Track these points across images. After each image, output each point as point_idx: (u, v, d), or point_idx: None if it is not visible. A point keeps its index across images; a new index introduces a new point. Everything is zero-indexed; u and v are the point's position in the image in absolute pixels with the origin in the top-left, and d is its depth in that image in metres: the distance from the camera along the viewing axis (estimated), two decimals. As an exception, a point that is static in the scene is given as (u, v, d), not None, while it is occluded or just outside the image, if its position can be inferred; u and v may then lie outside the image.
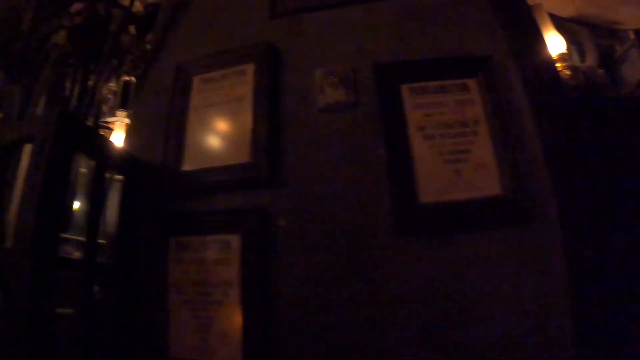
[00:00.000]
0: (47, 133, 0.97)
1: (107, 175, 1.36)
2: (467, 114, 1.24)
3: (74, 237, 1.67)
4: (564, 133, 1.17)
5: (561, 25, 2.46)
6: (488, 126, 1.21)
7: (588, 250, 1.03)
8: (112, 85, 1.89)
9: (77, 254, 1.57)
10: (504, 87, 1.23)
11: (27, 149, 1.18)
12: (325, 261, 1.11)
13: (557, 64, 2.09)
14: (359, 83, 1.30)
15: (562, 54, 2.13)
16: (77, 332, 1.02)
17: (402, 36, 1.36)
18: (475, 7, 1.37)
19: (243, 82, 1.33)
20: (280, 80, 1.33)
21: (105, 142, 1.25)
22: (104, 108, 1.85)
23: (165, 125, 1.34)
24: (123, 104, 1.99)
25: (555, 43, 2.15)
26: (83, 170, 1.72)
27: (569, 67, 2.10)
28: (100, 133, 1.19)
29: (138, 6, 1.80)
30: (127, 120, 1.92)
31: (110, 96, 1.90)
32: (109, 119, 1.88)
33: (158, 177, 1.29)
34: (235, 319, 1.08)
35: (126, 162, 1.29)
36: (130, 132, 1.45)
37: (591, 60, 2.59)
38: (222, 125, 1.29)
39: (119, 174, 1.31)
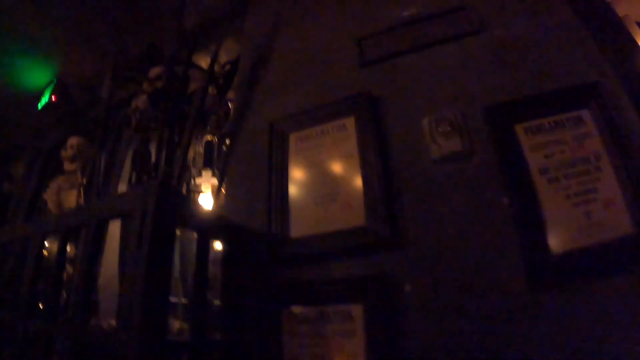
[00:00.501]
0: (148, 207, 0.89)
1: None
2: (588, 149, 1.10)
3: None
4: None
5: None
6: (610, 159, 1.07)
7: None
8: (196, 146, 1.89)
9: (175, 324, 1.50)
10: (617, 114, 1.09)
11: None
12: (455, 328, 0.97)
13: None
14: (469, 128, 1.18)
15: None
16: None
17: (503, 71, 1.25)
18: (571, 31, 1.25)
19: (345, 137, 1.25)
20: (384, 132, 1.24)
21: (205, 212, 1.19)
22: (193, 171, 1.86)
23: (264, 188, 1.27)
24: (207, 164, 1.98)
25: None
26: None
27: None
28: (199, 202, 1.15)
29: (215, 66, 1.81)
30: (214, 181, 1.90)
31: (195, 157, 1.90)
32: (197, 180, 1.87)
33: (263, 244, 1.21)
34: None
35: (227, 230, 1.22)
36: (225, 195, 1.39)
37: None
38: (328, 186, 1.21)
39: (220, 242, 1.24)
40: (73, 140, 2.16)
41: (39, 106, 2.43)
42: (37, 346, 1.05)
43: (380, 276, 1.06)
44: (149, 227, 0.87)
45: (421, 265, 1.05)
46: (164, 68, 1.75)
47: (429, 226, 1.09)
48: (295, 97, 1.42)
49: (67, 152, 2.14)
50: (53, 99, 2.38)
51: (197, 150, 1.91)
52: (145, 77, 1.84)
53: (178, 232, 1.45)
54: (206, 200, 1.84)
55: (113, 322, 1.50)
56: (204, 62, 1.95)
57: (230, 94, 1.77)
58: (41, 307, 1.17)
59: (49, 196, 2.09)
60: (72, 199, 2.09)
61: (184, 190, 1.62)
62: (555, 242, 1.00)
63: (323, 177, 1.22)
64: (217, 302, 1.22)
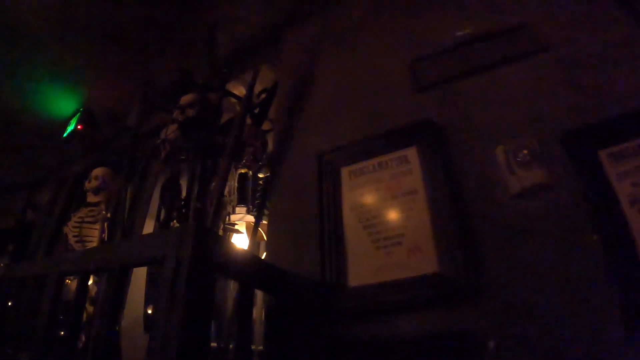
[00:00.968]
0: (183, 253, 0.76)
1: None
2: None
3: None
4: None
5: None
6: None
7: None
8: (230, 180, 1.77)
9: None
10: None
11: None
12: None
13: None
14: (547, 156, 1.03)
15: None
16: None
17: (575, 92, 1.11)
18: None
19: (407, 171, 1.10)
20: (451, 164, 1.09)
21: (248, 257, 1.03)
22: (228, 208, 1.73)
23: (314, 229, 1.12)
24: (242, 200, 1.85)
25: None
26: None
27: None
28: (241, 248, 1.01)
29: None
30: (250, 219, 1.76)
31: (230, 192, 1.77)
32: (231, 218, 1.73)
33: (314, 294, 1.05)
34: None
35: (273, 278, 1.06)
36: (267, 237, 1.25)
37: None
38: (391, 227, 1.05)
39: (265, 292, 1.08)
40: (98, 171, 2.06)
41: (65, 134, 2.37)
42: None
43: (460, 333, 0.89)
44: (184, 276, 0.74)
45: (505, 318, 0.89)
46: (197, 95, 1.66)
47: (512, 271, 0.93)
48: (344, 126, 1.29)
49: (91, 184, 2.04)
50: (79, 128, 2.33)
51: (231, 185, 1.78)
52: (177, 105, 1.75)
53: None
54: (241, 240, 1.69)
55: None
56: (235, 90, 1.85)
57: (264, 124, 1.65)
58: (58, 349, 1.05)
59: (70, 229, 1.97)
60: (94, 233, 1.97)
61: (220, 231, 1.48)
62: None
63: (384, 216, 1.07)
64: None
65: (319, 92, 1.46)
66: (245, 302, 0.94)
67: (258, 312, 1.60)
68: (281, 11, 1.82)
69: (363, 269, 1.03)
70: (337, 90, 1.41)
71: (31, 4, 1.89)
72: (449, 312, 0.92)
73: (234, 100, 1.86)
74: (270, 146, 1.56)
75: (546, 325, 0.85)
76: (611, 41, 1.14)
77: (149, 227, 1.95)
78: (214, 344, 1.48)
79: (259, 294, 1.46)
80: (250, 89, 1.42)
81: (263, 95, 1.63)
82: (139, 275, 1.71)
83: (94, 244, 1.96)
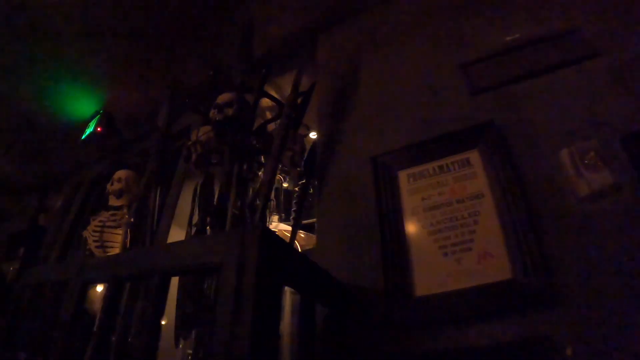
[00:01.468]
0: (247, 260, 0.69)
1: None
2: None
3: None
4: None
5: None
6: None
7: None
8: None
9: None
10: None
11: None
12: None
13: None
14: (610, 158, 1.00)
15: None
16: None
17: (630, 95, 1.09)
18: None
19: (471, 174, 1.06)
20: (514, 166, 1.05)
21: (311, 266, 0.96)
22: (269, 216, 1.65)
23: (372, 237, 1.06)
24: (278, 208, 1.78)
25: None
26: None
27: None
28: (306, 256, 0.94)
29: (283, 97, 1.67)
30: (284, 227, 1.69)
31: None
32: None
33: (376, 305, 0.99)
34: None
35: (334, 289, 1.00)
36: (316, 246, 1.19)
37: None
38: (459, 233, 1.00)
39: (323, 304, 1.01)
40: (121, 174, 1.99)
41: (83, 137, 2.30)
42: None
43: (536, 339, 0.84)
44: (251, 286, 0.66)
45: (583, 323, 0.84)
46: (235, 94, 1.60)
47: (584, 275, 0.89)
48: (396, 129, 1.24)
49: (113, 186, 1.96)
50: (98, 130, 2.26)
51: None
52: (213, 104, 1.70)
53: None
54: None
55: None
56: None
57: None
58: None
59: (90, 234, 1.89)
60: (116, 238, 1.89)
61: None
62: None
63: (450, 222, 1.02)
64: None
65: (364, 96, 1.41)
66: (309, 317, 0.88)
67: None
68: (316, 13, 1.79)
69: (430, 277, 0.97)
70: (385, 93, 1.36)
71: (55, 1, 1.85)
72: (524, 319, 0.88)
73: (266, 103, 1.81)
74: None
75: (620, 328, 0.82)
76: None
77: (174, 233, 1.87)
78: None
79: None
80: (295, 89, 1.37)
81: (300, 98, 1.58)
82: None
83: (116, 250, 1.88)
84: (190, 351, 1.48)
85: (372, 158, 1.18)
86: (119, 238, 1.89)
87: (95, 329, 0.99)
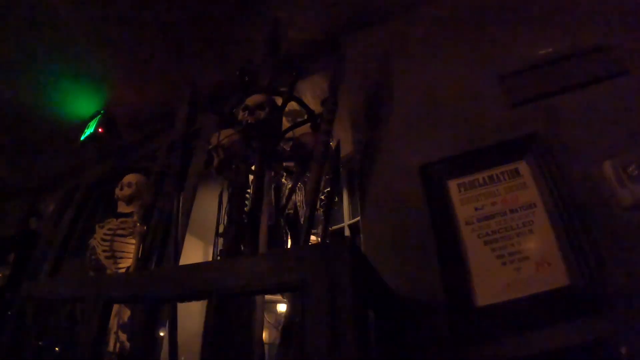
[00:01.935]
0: (340, 278, 0.64)
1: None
2: None
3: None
4: None
5: None
6: None
7: None
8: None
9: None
10: None
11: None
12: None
13: None
14: None
15: None
16: None
17: None
18: None
19: (521, 184, 1.08)
20: (561, 177, 1.09)
21: (383, 283, 0.93)
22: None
23: (426, 247, 1.07)
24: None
25: None
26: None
27: None
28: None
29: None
30: (314, 238, 1.65)
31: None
32: None
33: (436, 317, 0.99)
34: None
35: (391, 301, 0.99)
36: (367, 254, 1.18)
37: None
38: (517, 242, 1.02)
39: (379, 316, 1.00)
40: (131, 178, 1.88)
41: (82, 137, 2.16)
42: None
43: (595, 343, 0.88)
44: (349, 308, 0.61)
45: (633, 326, 0.87)
46: (266, 96, 1.54)
47: (635, 280, 0.93)
48: (440, 138, 1.25)
49: (123, 192, 1.85)
50: (100, 131, 2.13)
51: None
52: (231, 106, 1.65)
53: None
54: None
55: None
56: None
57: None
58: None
59: (98, 243, 1.77)
60: (128, 248, 1.79)
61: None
62: None
63: (506, 231, 1.04)
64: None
65: (399, 102, 1.42)
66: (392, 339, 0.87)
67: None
68: (339, 18, 1.79)
69: (490, 286, 0.98)
70: (422, 100, 1.37)
71: (70, -7, 1.73)
72: (583, 324, 0.91)
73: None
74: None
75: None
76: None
77: (189, 243, 1.79)
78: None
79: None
80: (333, 92, 1.35)
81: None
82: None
83: (128, 261, 1.78)
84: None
85: (422, 167, 1.18)
86: (131, 248, 1.79)
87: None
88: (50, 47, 1.91)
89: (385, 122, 1.38)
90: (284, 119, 1.63)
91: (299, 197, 1.61)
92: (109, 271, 1.74)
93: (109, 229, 1.79)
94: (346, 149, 1.63)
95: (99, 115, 2.18)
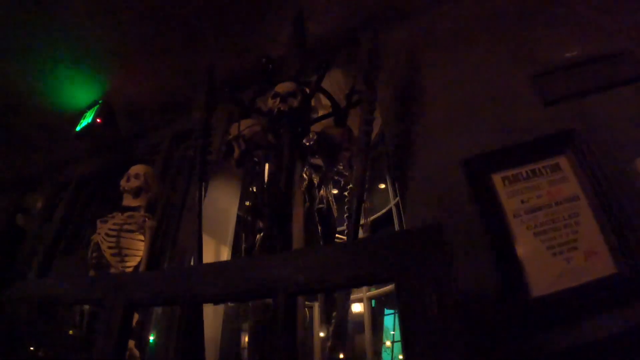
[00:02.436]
0: (442, 272, 0.58)
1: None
2: None
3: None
4: None
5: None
6: None
7: None
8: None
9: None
10: None
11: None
12: None
13: None
14: None
15: None
16: None
17: None
18: None
19: (563, 178, 1.11)
20: (600, 171, 1.13)
21: None
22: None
23: (477, 240, 1.07)
24: None
25: None
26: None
27: None
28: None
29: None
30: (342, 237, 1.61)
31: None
32: None
33: (490, 309, 1.00)
34: None
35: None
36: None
37: None
38: (565, 233, 1.05)
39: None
40: (139, 169, 1.76)
41: (78, 128, 2.01)
42: None
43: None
44: (454, 304, 0.57)
45: None
46: (297, 84, 1.48)
47: None
48: (478, 133, 1.26)
49: (130, 183, 1.73)
50: (98, 122, 1.99)
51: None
52: (251, 95, 1.59)
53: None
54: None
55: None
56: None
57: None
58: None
59: (103, 238, 1.64)
60: (137, 245, 1.67)
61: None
62: None
63: (553, 223, 1.06)
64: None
65: (432, 97, 1.42)
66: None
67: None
68: (361, 13, 1.78)
69: (543, 277, 0.99)
70: (457, 96, 1.39)
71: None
72: (631, 309, 0.94)
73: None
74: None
75: None
76: None
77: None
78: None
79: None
80: (371, 81, 1.32)
81: (356, 97, 1.54)
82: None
83: (137, 258, 1.66)
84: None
85: (465, 161, 1.19)
86: (140, 245, 1.67)
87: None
88: (50, 30, 1.76)
89: (420, 117, 1.39)
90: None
91: (322, 192, 1.57)
92: (113, 269, 1.62)
93: (115, 224, 1.66)
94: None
95: (97, 105, 2.04)
